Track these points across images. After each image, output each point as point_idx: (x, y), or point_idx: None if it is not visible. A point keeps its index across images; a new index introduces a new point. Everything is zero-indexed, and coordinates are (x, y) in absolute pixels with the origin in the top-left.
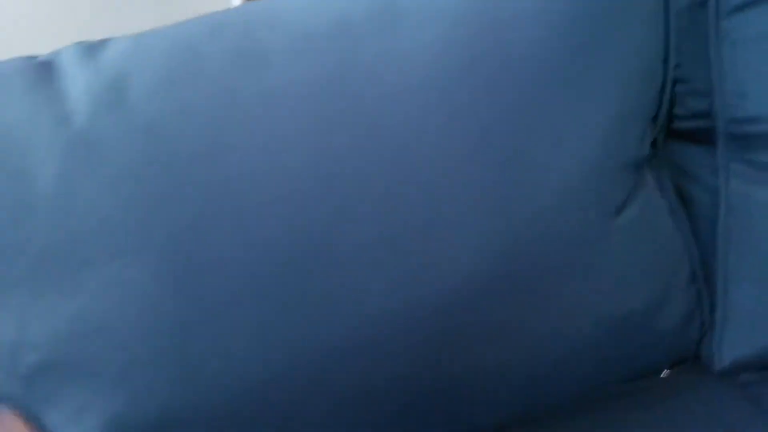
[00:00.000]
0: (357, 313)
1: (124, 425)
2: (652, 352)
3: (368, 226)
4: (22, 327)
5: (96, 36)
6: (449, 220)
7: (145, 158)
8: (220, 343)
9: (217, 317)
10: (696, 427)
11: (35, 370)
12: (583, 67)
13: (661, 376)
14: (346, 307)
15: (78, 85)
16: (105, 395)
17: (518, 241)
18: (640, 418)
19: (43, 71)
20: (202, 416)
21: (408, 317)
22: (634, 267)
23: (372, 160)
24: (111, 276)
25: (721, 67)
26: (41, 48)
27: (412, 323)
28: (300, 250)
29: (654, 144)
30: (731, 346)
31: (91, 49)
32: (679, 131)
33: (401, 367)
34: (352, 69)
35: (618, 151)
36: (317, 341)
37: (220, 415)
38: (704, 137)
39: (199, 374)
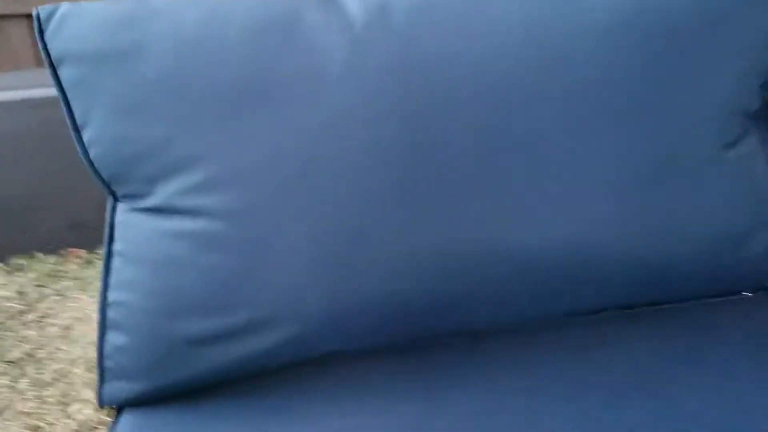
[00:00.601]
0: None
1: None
2: (740, 274)
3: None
4: None
5: None
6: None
7: (400, 58)
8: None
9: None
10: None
11: None
12: (718, 36)
13: (745, 295)
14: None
15: (355, 5)
16: None
17: (659, 160)
18: (727, 324)
19: None
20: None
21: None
22: (734, 195)
23: (565, 75)
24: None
25: None
26: None
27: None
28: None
29: (761, 113)
30: None
31: None
32: None
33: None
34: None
35: (736, 101)
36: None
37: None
38: None
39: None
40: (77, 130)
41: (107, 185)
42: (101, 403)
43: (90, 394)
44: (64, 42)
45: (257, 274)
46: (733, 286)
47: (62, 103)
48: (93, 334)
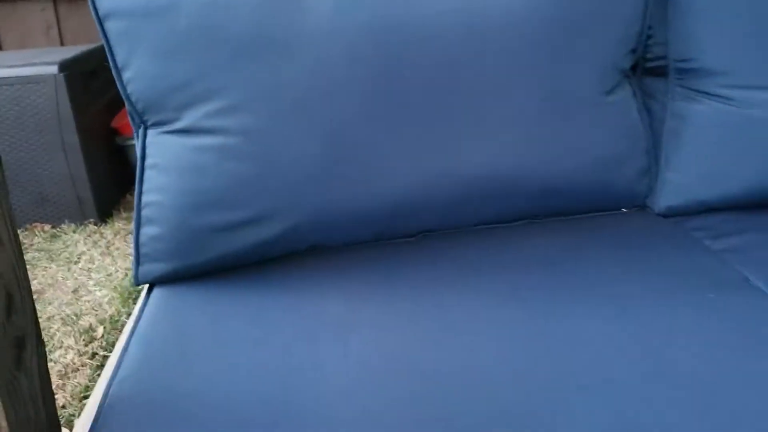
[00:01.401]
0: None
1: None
2: (619, 192)
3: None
4: None
5: None
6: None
7: (374, 17)
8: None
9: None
10: (641, 238)
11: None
12: (600, 11)
13: (622, 211)
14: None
15: None
16: None
17: (555, 101)
18: (611, 232)
19: None
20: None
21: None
22: (613, 129)
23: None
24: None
25: (673, 27)
26: None
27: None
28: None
29: (634, 73)
30: (666, 198)
31: None
32: (648, 68)
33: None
34: None
35: (612, 60)
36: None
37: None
38: (661, 72)
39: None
40: (118, 71)
41: (140, 115)
42: (137, 282)
43: (70, 342)
44: (109, 1)
45: (264, 178)
46: (614, 203)
47: (107, 51)
48: (65, 296)
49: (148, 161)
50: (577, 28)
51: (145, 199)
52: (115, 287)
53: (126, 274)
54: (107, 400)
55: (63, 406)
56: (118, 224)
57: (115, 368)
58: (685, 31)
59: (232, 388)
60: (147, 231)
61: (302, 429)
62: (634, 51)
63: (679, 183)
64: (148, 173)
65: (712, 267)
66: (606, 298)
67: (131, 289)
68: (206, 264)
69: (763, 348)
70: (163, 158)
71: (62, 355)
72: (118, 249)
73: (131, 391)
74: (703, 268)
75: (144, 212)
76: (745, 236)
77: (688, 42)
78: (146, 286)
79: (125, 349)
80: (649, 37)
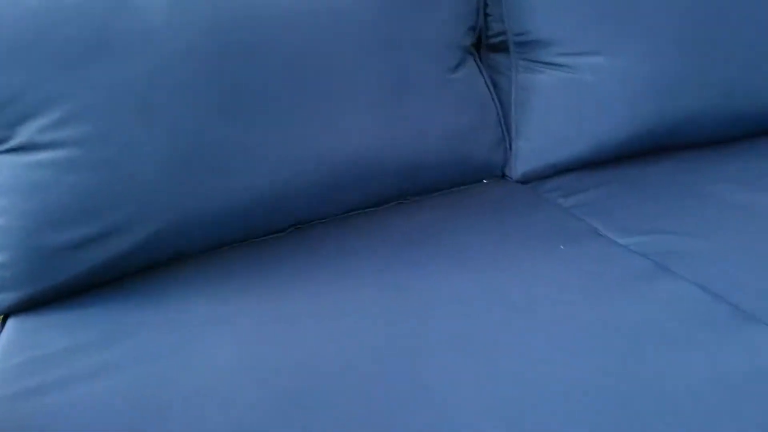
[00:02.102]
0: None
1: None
2: (474, 164)
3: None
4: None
5: None
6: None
7: (211, 16)
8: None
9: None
10: (500, 204)
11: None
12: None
13: (484, 181)
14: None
15: None
16: None
17: (399, 83)
18: (473, 202)
19: None
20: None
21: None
22: (462, 104)
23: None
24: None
25: (507, 3)
26: None
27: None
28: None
29: (478, 50)
30: (521, 165)
31: None
32: (490, 44)
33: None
34: None
35: (451, 39)
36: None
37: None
38: (503, 47)
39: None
40: None
41: None
42: None
43: None
44: None
45: (111, 189)
46: (474, 175)
47: None
48: None
49: None
50: (412, 10)
51: None
52: None
53: None
54: None
55: None
56: None
57: None
58: (518, 6)
59: (90, 411)
60: None
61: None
62: (473, 28)
63: (530, 150)
64: None
65: (564, 222)
66: (466, 264)
67: None
68: (62, 286)
69: (607, 288)
70: (0, 180)
71: None
72: None
73: None
74: (556, 224)
75: None
76: (592, 192)
77: (521, 16)
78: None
79: None
80: (487, 15)
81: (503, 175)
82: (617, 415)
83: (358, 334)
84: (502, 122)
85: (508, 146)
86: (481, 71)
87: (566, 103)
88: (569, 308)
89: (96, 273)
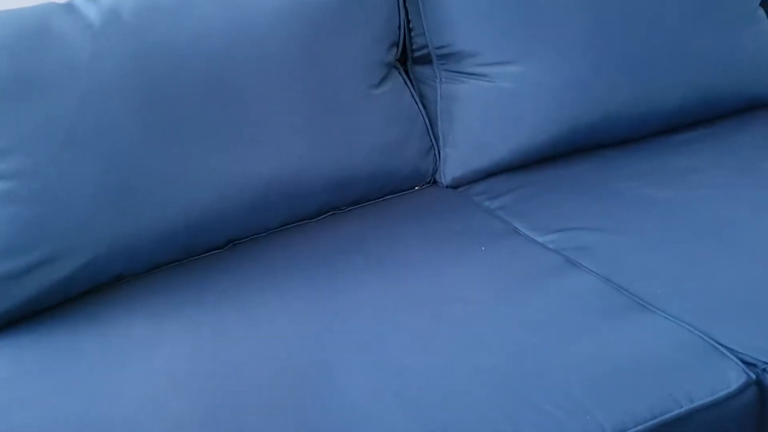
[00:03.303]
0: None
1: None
2: (405, 173)
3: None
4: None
5: None
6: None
7: (133, 46)
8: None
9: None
10: (429, 210)
11: None
12: (352, 16)
13: (415, 188)
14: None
15: (91, 10)
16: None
17: (323, 102)
18: (403, 209)
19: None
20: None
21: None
22: (388, 117)
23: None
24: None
25: (427, 19)
26: None
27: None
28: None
29: (405, 65)
30: (449, 171)
31: None
32: (415, 57)
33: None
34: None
35: (372, 57)
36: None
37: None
38: (427, 59)
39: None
40: None
41: None
42: None
43: None
44: None
45: (48, 218)
46: (406, 183)
47: None
48: None
49: None
50: (334, 31)
51: None
52: None
53: None
54: None
55: None
56: None
57: None
58: (437, 20)
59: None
60: None
61: None
62: (396, 44)
63: (457, 156)
64: None
65: (488, 224)
66: (387, 270)
67: None
68: (4, 315)
69: (517, 284)
70: None
71: None
72: None
73: None
74: (480, 226)
75: None
76: (514, 193)
77: (441, 30)
78: None
79: None
80: (410, 30)
81: (434, 182)
82: (512, 402)
83: (283, 343)
84: (430, 131)
85: (437, 154)
86: (406, 84)
87: (488, 110)
88: (477, 305)
89: (37, 300)
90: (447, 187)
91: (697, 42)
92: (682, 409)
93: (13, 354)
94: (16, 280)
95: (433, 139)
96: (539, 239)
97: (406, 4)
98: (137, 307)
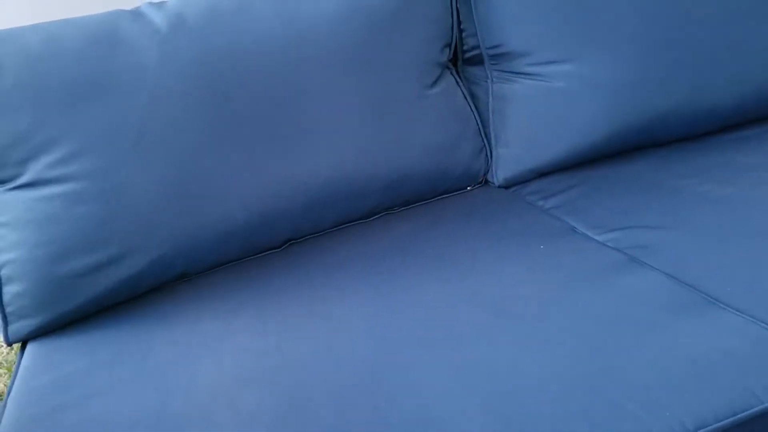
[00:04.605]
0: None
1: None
2: (457, 174)
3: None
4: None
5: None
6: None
7: (198, 50)
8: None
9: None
10: (483, 209)
11: None
12: (407, 17)
13: (467, 189)
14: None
15: (158, 16)
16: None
17: (379, 101)
18: (457, 209)
19: (136, 12)
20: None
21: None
22: (443, 116)
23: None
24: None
25: (479, 19)
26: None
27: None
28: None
29: (456, 65)
30: (502, 171)
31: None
32: (467, 58)
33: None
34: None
35: (427, 57)
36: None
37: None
38: (479, 60)
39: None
40: None
41: None
42: (8, 342)
43: None
44: None
45: (117, 217)
46: (458, 183)
47: None
48: None
49: None
50: (388, 33)
51: (1, 259)
52: (1, 363)
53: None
54: None
55: None
56: None
57: None
58: (489, 21)
59: (108, 426)
60: (9, 289)
61: None
62: (448, 45)
63: (510, 156)
64: (0, 232)
65: (544, 223)
66: (449, 269)
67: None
68: (76, 311)
69: (582, 282)
70: (12, 215)
71: None
72: None
73: None
74: (536, 225)
75: (3, 272)
76: (568, 192)
77: (493, 30)
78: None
79: (2, 412)
80: (462, 30)
81: (486, 182)
82: (589, 398)
83: (348, 338)
84: (482, 131)
85: (488, 154)
86: (459, 84)
87: (540, 109)
88: (541, 302)
89: (106, 297)
90: (499, 187)
91: (752, 38)
92: (764, 405)
93: (88, 346)
94: (87, 277)
95: (484, 140)
96: (598, 238)
97: (458, 5)
98: (203, 304)
